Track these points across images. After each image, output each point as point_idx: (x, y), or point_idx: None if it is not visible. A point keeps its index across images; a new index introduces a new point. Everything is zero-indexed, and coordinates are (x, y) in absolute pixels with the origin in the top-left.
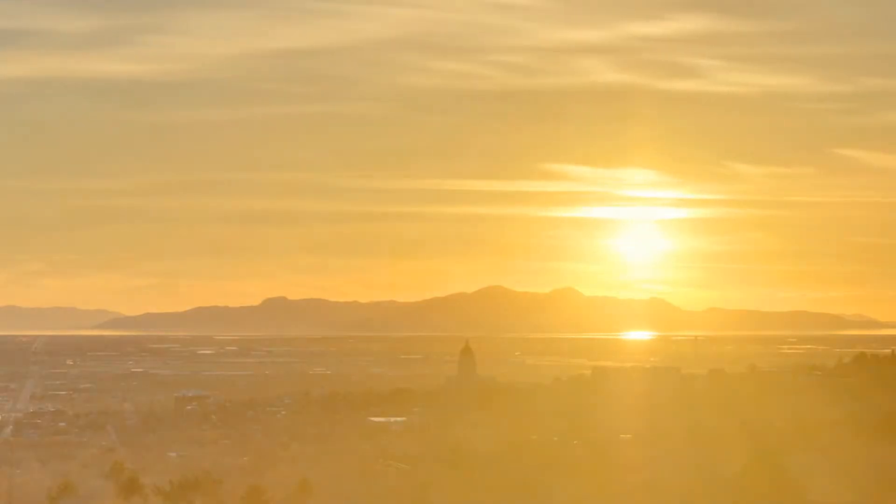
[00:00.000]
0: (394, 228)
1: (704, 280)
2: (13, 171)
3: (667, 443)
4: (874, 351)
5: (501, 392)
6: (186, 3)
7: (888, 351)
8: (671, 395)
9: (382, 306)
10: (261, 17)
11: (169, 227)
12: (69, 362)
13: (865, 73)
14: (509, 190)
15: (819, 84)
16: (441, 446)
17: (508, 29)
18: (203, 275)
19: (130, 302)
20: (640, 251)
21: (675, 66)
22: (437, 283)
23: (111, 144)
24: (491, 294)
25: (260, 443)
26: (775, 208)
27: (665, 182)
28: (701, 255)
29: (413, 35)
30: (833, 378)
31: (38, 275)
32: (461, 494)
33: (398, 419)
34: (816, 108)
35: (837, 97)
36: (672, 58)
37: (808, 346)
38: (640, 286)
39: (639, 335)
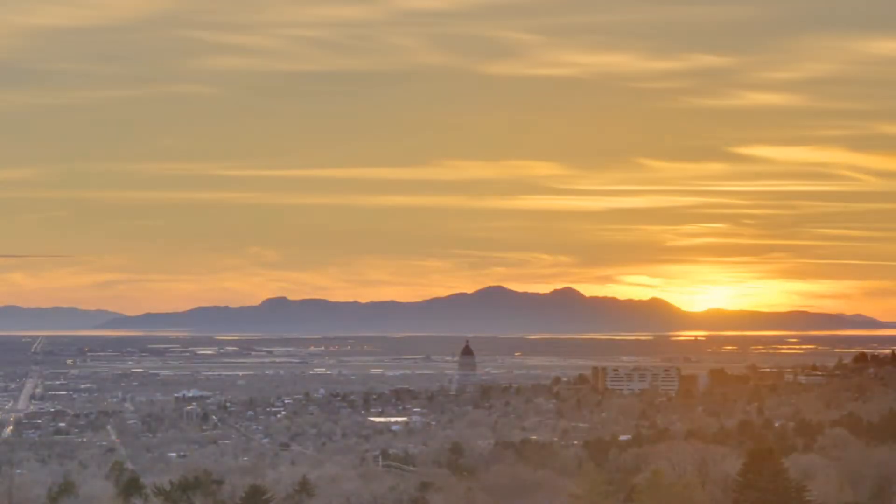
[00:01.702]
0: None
1: (704, 279)
2: None
3: (667, 443)
4: (874, 351)
5: (501, 392)
6: None
7: (888, 351)
8: (671, 396)
9: (382, 306)
10: None
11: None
12: (69, 362)
13: (687, 49)
14: (436, 179)
15: (647, 61)
16: (441, 446)
17: (270, 3)
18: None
19: (130, 302)
20: (614, 245)
21: (486, 43)
22: (438, 283)
23: None
24: (491, 294)
25: (260, 443)
26: (712, 197)
27: (576, 175)
28: (674, 249)
29: (180, 11)
30: (833, 378)
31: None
32: (461, 494)
33: (398, 419)
34: (657, 88)
35: (674, 75)
36: (473, 32)
37: (808, 346)
38: (635, 284)
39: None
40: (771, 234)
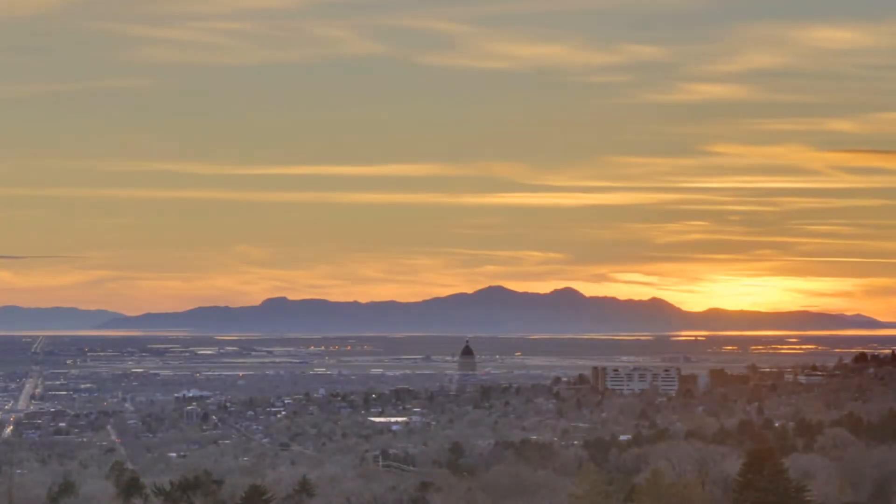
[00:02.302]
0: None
1: (699, 277)
2: None
3: (667, 443)
4: (874, 351)
5: (501, 392)
6: None
7: (888, 351)
8: (671, 396)
9: (382, 306)
10: None
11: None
12: (69, 362)
13: (622, 39)
14: (407, 176)
15: (586, 54)
16: (441, 446)
17: None
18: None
19: (130, 302)
20: (601, 242)
21: (420, 33)
22: (430, 281)
23: None
24: (491, 294)
25: (260, 443)
26: (690, 194)
27: (543, 172)
28: (663, 246)
29: (87, 3)
30: (833, 378)
31: None
32: (461, 494)
33: (398, 419)
34: (601, 82)
35: (614, 69)
36: (400, 23)
37: (808, 346)
38: (635, 284)
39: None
40: (759, 230)
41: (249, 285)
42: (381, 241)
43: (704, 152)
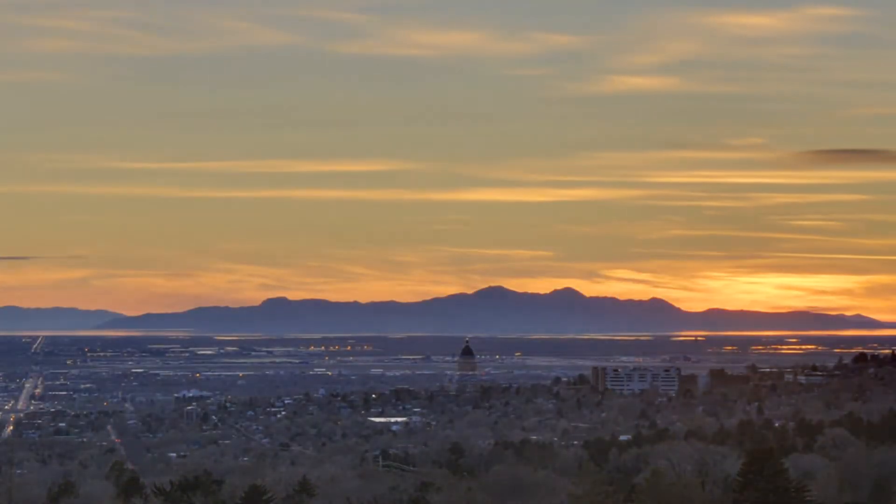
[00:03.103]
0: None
1: (697, 276)
2: None
3: (667, 443)
4: (874, 351)
5: (501, 392)
6: None
7: (888, 351)
8: (671, 396)
9: (382, 306)
10: None
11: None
12: (69, 362)
13: (534, 27)
14: (376, 172)
15: (499, 42)
16: (441, 446)
17: None
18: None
19: (131, 302)
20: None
21: (325, 21)
22: (437, 283)
23: None
24: (491, 294)
25: (260, 443)
26: (662, 189)
27: (502, 168)
28: (648, 242)
29: None
30: (833, 378)
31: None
32: (461, 494)
33: (398, 419)
34: (527, 75)
35: (533, 60)
36: (300, 12)
37: (808, 346)
38: (629, 282)
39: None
40: (739, 226)
41: (240, 283)
42: (363, 237)
43: (665, 147)
